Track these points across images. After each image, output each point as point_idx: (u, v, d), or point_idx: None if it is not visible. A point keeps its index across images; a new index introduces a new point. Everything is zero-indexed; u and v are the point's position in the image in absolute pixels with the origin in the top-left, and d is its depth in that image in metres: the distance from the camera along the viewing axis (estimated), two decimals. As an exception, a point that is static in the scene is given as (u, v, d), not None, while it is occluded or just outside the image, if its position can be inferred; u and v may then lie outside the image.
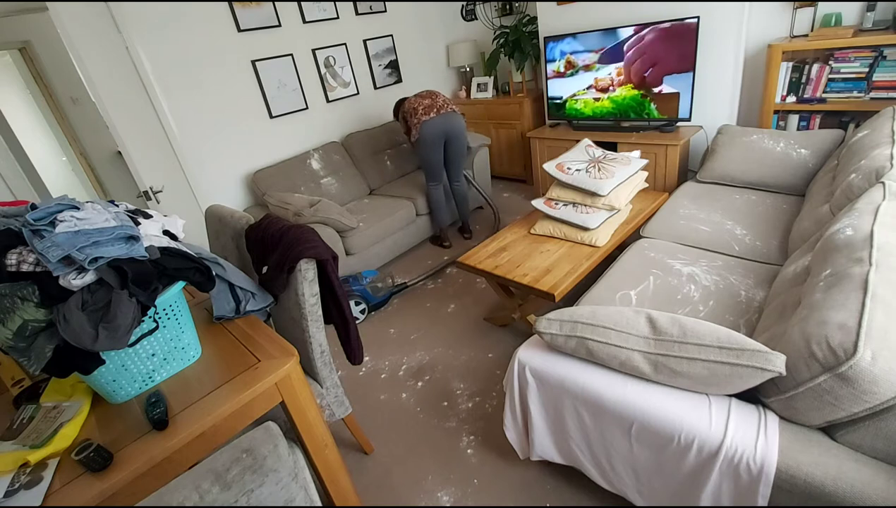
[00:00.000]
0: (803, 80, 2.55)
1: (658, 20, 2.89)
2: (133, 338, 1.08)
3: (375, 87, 4.01)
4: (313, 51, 3.51)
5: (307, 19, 3.41)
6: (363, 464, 1.80)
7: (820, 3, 2.52)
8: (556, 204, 2.29)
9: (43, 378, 1.23)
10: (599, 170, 2.21)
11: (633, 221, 2.32)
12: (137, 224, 1.13)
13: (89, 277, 0.97)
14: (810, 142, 2.28)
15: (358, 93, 3.88)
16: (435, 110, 2.95)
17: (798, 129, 2.67)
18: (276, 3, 3.23)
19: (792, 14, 2.63)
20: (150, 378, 1.17)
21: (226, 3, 3.00)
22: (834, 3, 2.49)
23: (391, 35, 4.03)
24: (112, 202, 1.18)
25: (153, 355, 1.15)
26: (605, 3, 3.21)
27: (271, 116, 3.36)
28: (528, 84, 4.19)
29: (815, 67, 2.49)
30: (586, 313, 1.26)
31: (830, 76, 2.46)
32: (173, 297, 1.15)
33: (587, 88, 3.36)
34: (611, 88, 3.24)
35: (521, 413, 1.45)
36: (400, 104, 3.25)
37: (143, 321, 1.09)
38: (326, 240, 1.44)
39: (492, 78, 4.23)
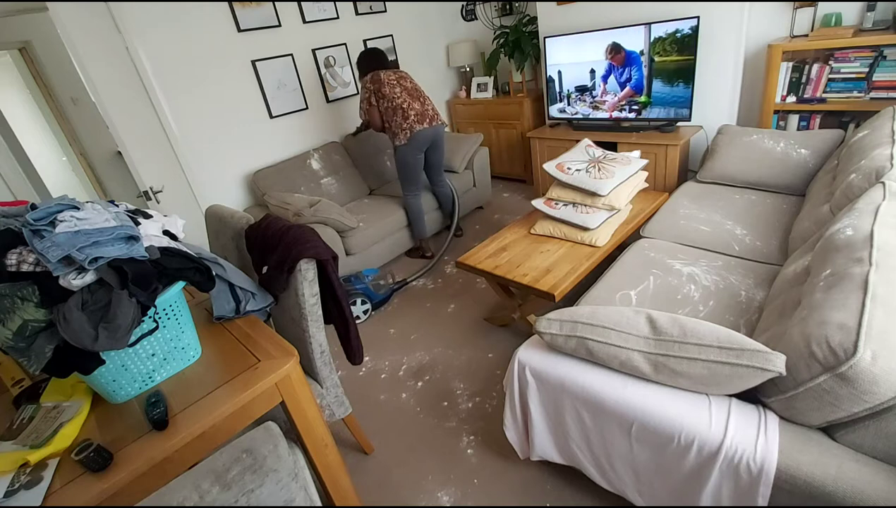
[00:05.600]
0: (803, 80, 2.55)
1: (658, 20, 2.89)
2: (133, 338, 1.08)
3: (375, 87, 4.01)
4: (313, 51, 3.51)
5: (307, 19, 3.41)
6: (363, 464, 1.80)
7: (820, 3, 2.52)
8: (556, 204, 2.29)
9: (43, 378, 1.23)
10: (599, 170, 2.21)
11: (633, 221, 2.32)
12: (137, 224, 1.13)
13: (89, 277, 0.97)
14: (810, 142, 2.28)
15: (358, 93, 3.88)
16: (427, 121, 2.88)
17: (798, 129, 2.67)
18: (276, 3, 3.22)
19: (792, 14, 2.63)
20: (150, 378, 1.17)
21: (226, 3, 3.00)
22: (834, 3, 2.49)
23: (391, 35, 4.03)
24: (112, 202, 1.18)
25: (153, 355, 1.15)
26: (605, 4, 3.21)
27: (271, 116, 3.36)
28: (528, 84, 4.18)
29: (815, 67, 2.49)
30: (586, 313, 1.26)
31: (830, 76, 2.46)
32: (173, 297, 1.15)
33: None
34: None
35: (521, 413, 1.45)
36: (371, 63, 2.95)
37: (143, 321, 1.09)
38: (326, 240, 1.44)
39: (492, 78, 4.23)
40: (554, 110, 3.63)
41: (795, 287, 1.32)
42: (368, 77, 2.90)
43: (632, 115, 3.22)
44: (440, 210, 3.42)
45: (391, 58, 4.06)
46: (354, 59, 3.77)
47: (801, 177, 2.27)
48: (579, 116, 3.50)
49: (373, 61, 2.97)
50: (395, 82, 2.89)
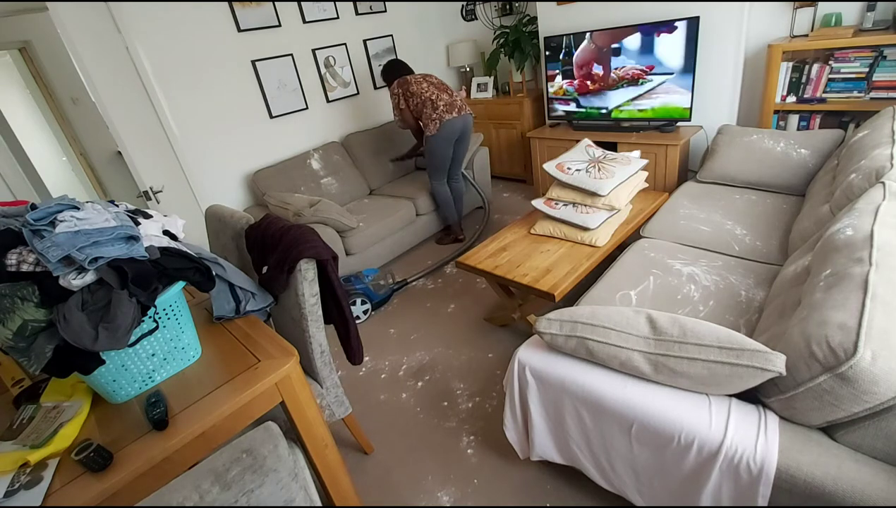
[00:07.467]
0: (803, 80, 2.55)
1: (658, 20, 2.89)
2: (133, 338, 1.08)
3: (375, 87, 4.01)
4: (313, 51, 3.51)
5: (307, 19, 3.41)
6: (363, 464, 1.80)
7: (820, 3, 2.52)
8: (556, 204, 2.29)
9: (43, 378, 1.23)
10: (599, 170, 2.21)
11: (633, 221, 2.31)
12: (137, 224, 1.13)
13: (89, 277, 0.97)
14: (810, 143, 2.28)
15: (358, 93, 3.88)
16: (457, 110, 2.97)
17: (798, 129, 2.67)
18: (276, 3, 3.23)
19: (792, 14, 2.63)
20: (150, 378, 1.17)
21: (226, 3, 3.00)
22: (834, 3, 2.49)
23: (391, 35, 4.03)
24: (112, 202, 1.18)
25: (153, 355, 1.15)
26: (605, 4, 3.21)
27: (271, 116, 3.36)
28: (528, 84, 4.18)
29: (815, 67, 2.49)
30: (586, 313, 1.26)
31: (830, 76, 2.46)
32: (173, 297, 1.15)
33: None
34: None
35: (521, 413, 1.45)
36: (396, 72, 3.11)
37: (143, 321, 1.09)
38: (326, 240, 1.44)
39: (492, 78, 4.23)
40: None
41: (795, 287, 1.32)
42: (395, 84, 3.06)
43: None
44: (441, 206, 3.42)
45: (391, 57, 4.06)
46: (355, 60, 3.80)
47: (801, 177, 2.27)
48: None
49: (396, 70, 3.13)
50: (421, 79, 3.02)
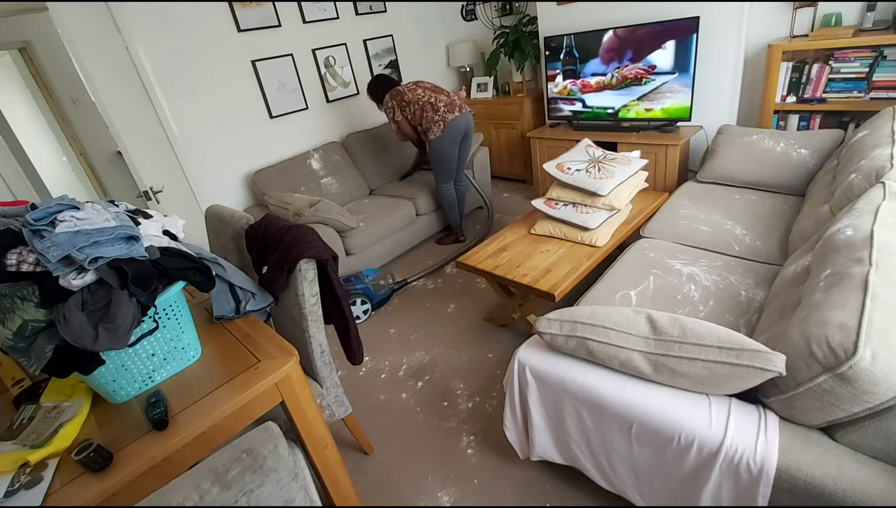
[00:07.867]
0: (803, 80, 2.55)
1: (658, 20, 2.89)
2: (133, 338, 1.08)
3: (375, 87, 4.01)
4: (313, 51, 3.51)
5: (307, 19, 3.41)
6: (363, 464, 1.80)
7: (820, 3, 2.52)
8: (556, 204, 2.29)
9: (43, 378, 1.23)
10: (599, 170, 2.21)
11: (633, 221, 2.31)
12: (137, 224, 1.13)
13: (89, 277, 0.97)
14: (810, 143, 2.28)
15: (358, 93, 3.88)
16: (458, 109, 2.95)
17: (798, 129, 2.67)
18: (276, 3, 3.22)
19: (792, 14, 2.63)
20: (150, 378, 1.17)
21: (226, 3, 3.00)
22: (834, 3, 2.49)
23: (391, 35, 4.03)
24: (112, 202, 1.18)
25: (153, 355, 1.15)
26: (605, 4, 3.21)
27: (271, 116, 3.36)
28: (528, 84, 4.18)
29: (815, 67, 2.49)
30: (586, 313, 1.26)
31: (830, 76, 2.46)
32: (173, 297, 1.15)
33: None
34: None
35: (521, 413, 1.45)
36: (384, 86, 3.07)
37: (143, 321, 1.09)
38: (326, 240, 1.44)
39: (492, 78, 4.23)
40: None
41: (795, 287, 1.32)
42: (387, 97, 3.02)
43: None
44: (445, 209, 3.42)
45: (391, 57, 4.07)
46: (355, 60, 3.79)
47: (801, 177, 2.26)
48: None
49: (383, 85, 3.09)
50: (414, 87, 2.99)
